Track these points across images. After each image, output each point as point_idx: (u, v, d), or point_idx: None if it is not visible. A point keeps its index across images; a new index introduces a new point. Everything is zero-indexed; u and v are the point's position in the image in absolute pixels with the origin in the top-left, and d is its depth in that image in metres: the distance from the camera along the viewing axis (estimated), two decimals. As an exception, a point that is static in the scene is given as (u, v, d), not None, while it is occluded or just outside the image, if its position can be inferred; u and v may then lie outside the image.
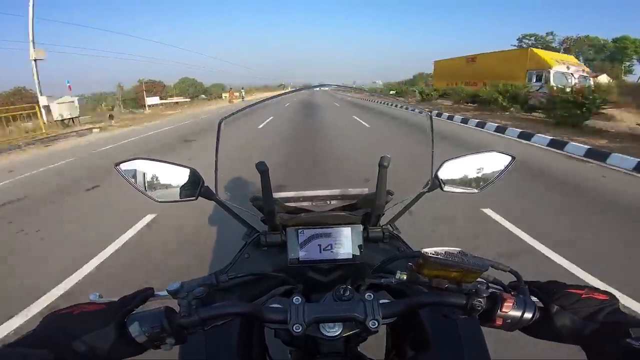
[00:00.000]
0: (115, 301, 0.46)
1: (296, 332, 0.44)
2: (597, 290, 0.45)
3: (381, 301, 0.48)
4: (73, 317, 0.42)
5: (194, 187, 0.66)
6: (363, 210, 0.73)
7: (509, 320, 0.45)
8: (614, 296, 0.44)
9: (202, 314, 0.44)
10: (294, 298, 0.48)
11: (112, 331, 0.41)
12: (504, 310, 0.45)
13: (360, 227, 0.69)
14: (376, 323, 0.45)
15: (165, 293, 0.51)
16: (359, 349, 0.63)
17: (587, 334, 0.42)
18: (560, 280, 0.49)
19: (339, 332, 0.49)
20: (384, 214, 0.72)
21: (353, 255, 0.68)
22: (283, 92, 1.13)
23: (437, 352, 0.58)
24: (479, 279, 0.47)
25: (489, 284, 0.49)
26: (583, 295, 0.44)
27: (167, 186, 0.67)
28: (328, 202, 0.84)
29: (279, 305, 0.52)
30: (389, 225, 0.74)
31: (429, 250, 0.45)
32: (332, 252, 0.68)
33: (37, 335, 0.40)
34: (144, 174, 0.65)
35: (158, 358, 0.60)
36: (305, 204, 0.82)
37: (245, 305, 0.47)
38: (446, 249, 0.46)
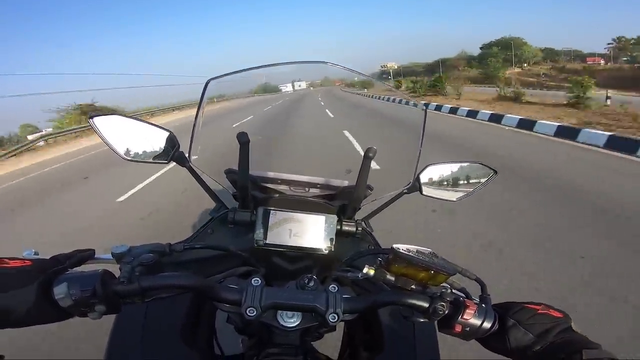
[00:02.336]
0: (46, 259, 0.41)
1: (249, 315, 0.41)
2: (552, 307, 0.46)
3: (345, 296, 0.46)
4: None
5: (169, 150, 0.64)
6: (340, 202, 0.71)
7: (468, 329, 0.44)
8: (568, 315, 0.45)
9: (143, 282, 0.40)
10: (253, 279, 0.45)
11: (33, 291, 0.36)
12: (464, 317, 0.44)
13: (335, 219, 0.67)
14: (336, 317, 0.43)
15: (109, 256, 0.47)
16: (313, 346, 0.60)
17: (538, 351, 0.42)
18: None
19: (298, 323, 0.46)
20: (360, 209, 0.70)
21: (324, 246, 0.65)
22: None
23: (390, 355, 0.57)
24: (443, 284, 0.46)
25: (453, 290, 0.48)
26: (539, 311, 0.44)
27: (141, 146, 0.64)
28: (307, 190, 0.81)
29: (235, 286, 0.48)
30: (363, 222, 0.72)
31: (400, 247, 0.43)
32: (302, 239, 0.65)
33: None
34: (119, 131, 0.62)
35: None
36: (282, 187, 0.79)
37: (195, 278, 0.43)
38: (418, 247, 0.45)
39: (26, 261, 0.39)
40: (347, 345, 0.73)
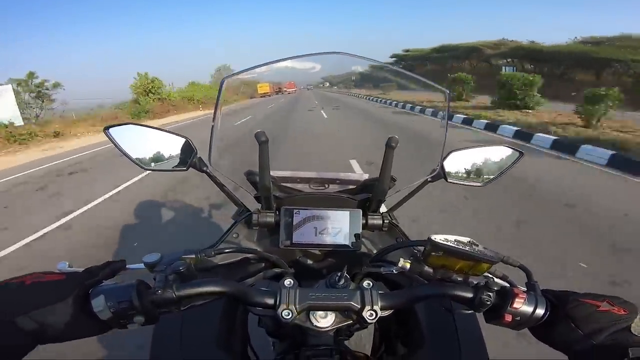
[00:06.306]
0: (79, 271, 0.41)
1: (285, 318, 0.40)
2: (617, 301, 0.40)
3: (380, 292, 0.44)
4: (23, 289, 0.36)
5: (186, 157, 0.63)
6: (363, 195, 0.69)
7: (519, 318, 0.42)
8: (635, 310, 0.40)
9: (179, 290, 0.39)
10: (286, 281, 0.44)
11: (70, 305, 0.36)
12: (514, 306, 0.41)
13: (360, 213, 0.65)
14: (374, 314, 0.41)
15: (141, 266, 0.47)
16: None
17: (578, 350, 0.39)
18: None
19: (331, 322, 0.44)
20: (384, 201, 0.68)
21: (350, 241, 0.64)
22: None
23: (433, 349, 0.55)
24: (484, 274, 0.44)
25: (496, 279, 0.45)
26: (600, 308, 0.40)
27: (158, 154, 0.64)
28: (326, 186, 0.79)
29: (267, 289, 0.47)
30: (388, 214, 0.70)
31: (437, 237, 0.41)
32: (328, 236, 0.64)
33: None
34: (135, 140, 0.62)
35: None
36: (301, 185, 0.77)
37: (229, 284, 0.42)
38: (456, 237, 0.43)
39: (60, 275, 0.39)
40: (381, 341, 0.72)
